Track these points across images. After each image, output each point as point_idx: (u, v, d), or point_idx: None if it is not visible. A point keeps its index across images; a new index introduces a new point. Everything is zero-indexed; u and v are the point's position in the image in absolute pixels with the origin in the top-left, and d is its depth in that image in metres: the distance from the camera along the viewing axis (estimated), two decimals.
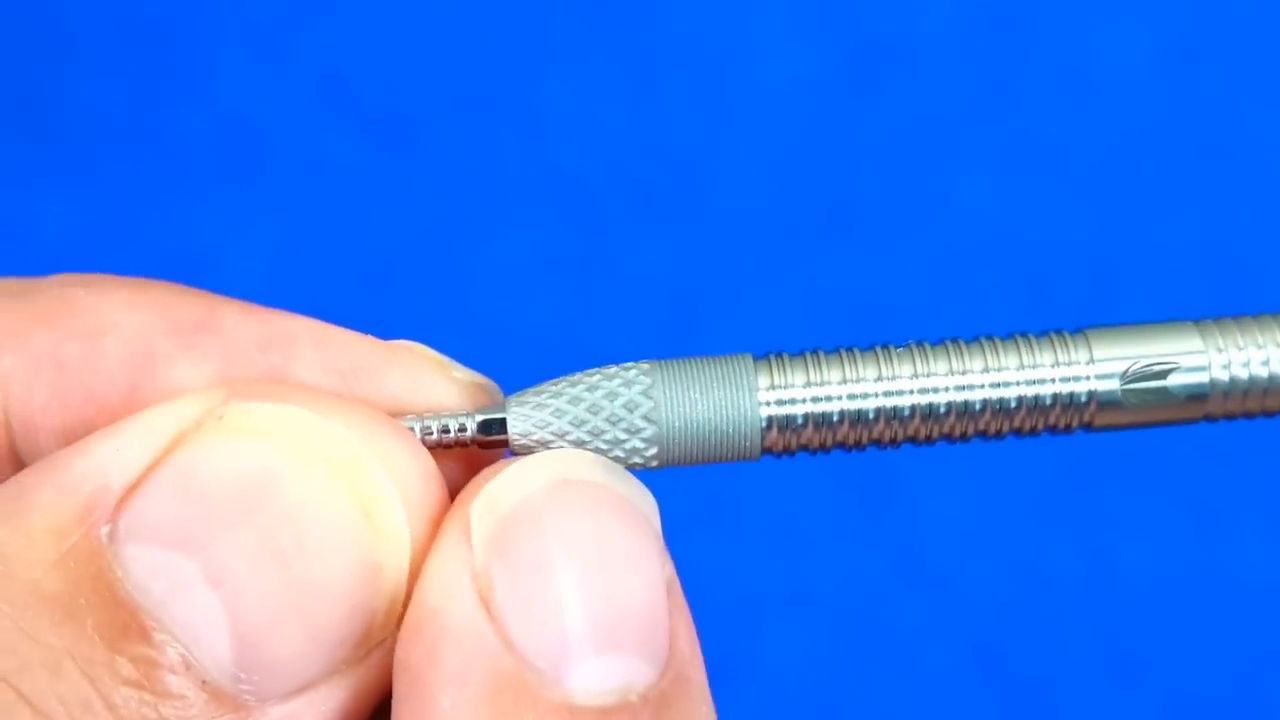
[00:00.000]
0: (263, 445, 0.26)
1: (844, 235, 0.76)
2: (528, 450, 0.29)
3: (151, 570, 0.26)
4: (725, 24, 0.77)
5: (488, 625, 0.26)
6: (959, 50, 0.77)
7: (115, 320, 0.29)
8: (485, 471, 0.28)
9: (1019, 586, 0.74)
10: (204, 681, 0.25)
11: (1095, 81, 0.77)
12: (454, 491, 0.29)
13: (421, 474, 0.27)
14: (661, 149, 0.77)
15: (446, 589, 0.26)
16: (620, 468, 0.28)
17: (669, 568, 0.27)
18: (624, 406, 0.29)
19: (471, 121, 0.77)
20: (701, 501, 0.73)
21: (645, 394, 0.29)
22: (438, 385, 0.30)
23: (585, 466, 0.28)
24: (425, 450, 0.28)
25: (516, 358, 0.72)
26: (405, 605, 0.27)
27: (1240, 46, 0.77)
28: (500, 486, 0.27)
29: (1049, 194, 0.76)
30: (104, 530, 0.26)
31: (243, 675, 0.26)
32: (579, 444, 0.29)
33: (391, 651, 0.27)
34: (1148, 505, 0.75)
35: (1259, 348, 0.30)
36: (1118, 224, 0.76)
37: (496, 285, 0.76)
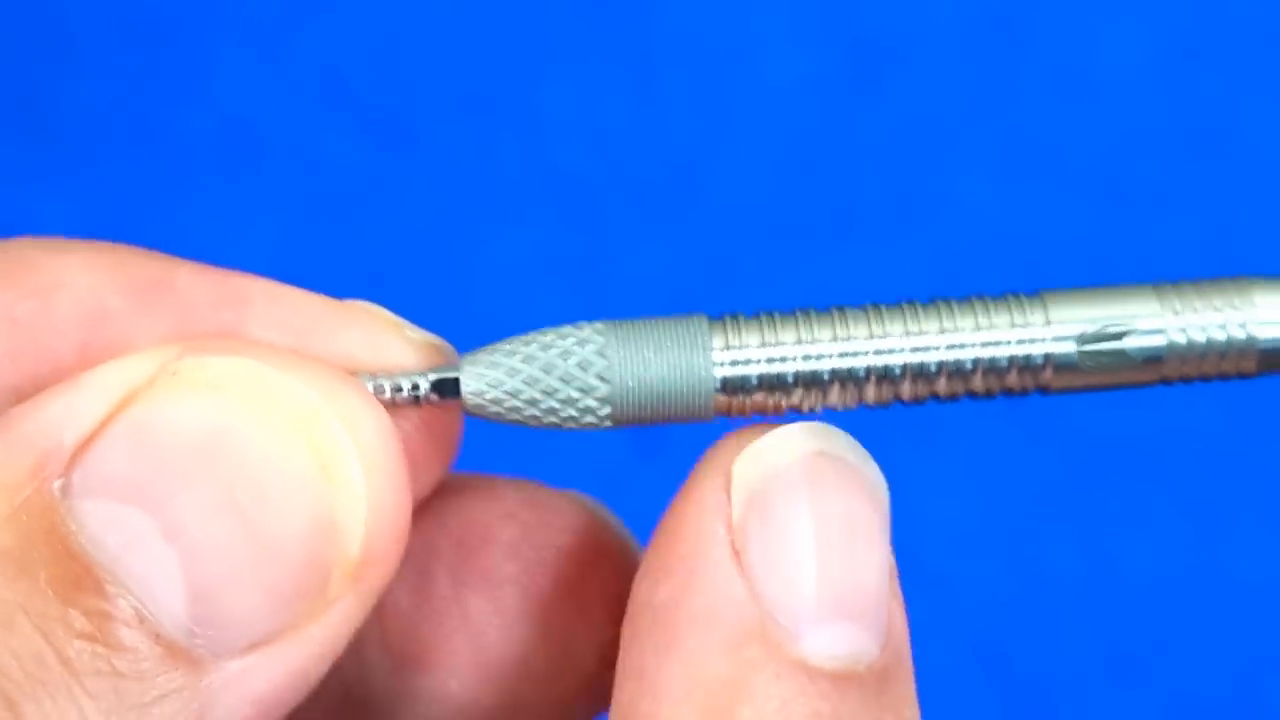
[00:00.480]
0: (220, 399, 0.26)
1: (844, 235, 0.76)
2: (481, 412, 0.29)
3: (106, 524, 0.25)
4: (725, 24, 0.77)
5: (739, 576, 0.27)
6: (959, 50, 0.77)
7: (69, 279, 0.29)
8: (742, 431, 0.28)
9: (1019, 586, 0.74)
10: (158, 635, 0.25)
11: (1095, 81, 0.77)
12: (408, 447, 0.29)
13: (379, 431, 0.27)
14: (661, 149, 0.77)
15: (703, 536, 0.27)
16: (865, 452, 0.29)
17: (893, 557, 0.29)
18: (578, 365, 0.29)
19: (471, 121, 0.77)
20: None
21: (599, 353, 0.29)
22: (392, 345, 0.30)
23: (841, 444, 0.28)
24: (382, 408, 0.28)
25: None
26: (362, 562, 0.27)
27: (1240, 46, 0.77)
28: (764, 448, 0.28)
29: (1049, 194, 0.76)
30: (57, 485, 0.26)
31: (197, 630, 0.26)
32: (532, 402, 0.29)
33: (348, 611, 0.27)
34: (1148, 505, 0.75)
35: (1216, 310, 0.30)
36: (1118, 224, 0.76)
37: (496, 285, 0.75)
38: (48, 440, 0.26)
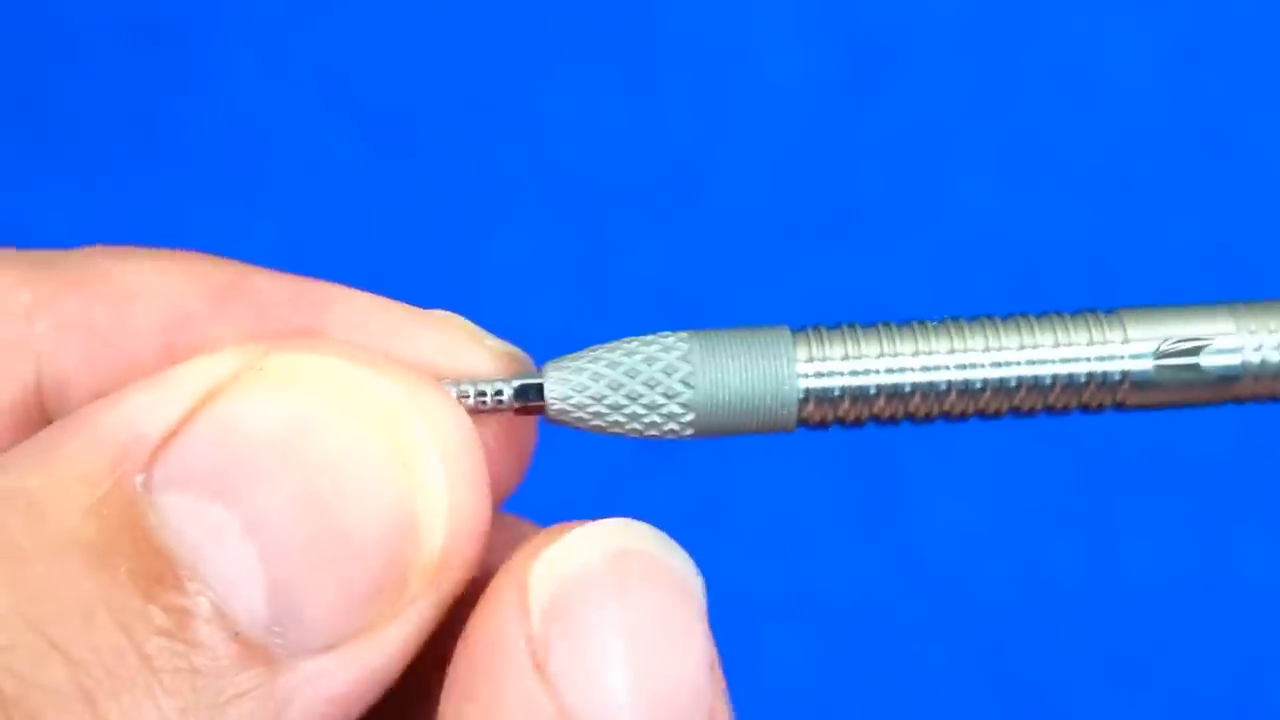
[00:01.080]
0: (302, 395, 0.26)
1: (844, 235, 0.76)
2: (564, 418, 0.29)
3: (187, 519, 0.25)
4: (725, 24, 0.77)
5: (543, 691, 0.26)
6: (959, 50, 0.77)
7: (145, 284, 0.29)
8: (542, 534, 0.28)
9: (1020, 587, 0.74)
10: (236, 633, 0.25)
11: (1095, 81, 0.77)
12: (489, 457, 0.29)
13: (460, 432, 0.27)
14: (661, 149, 0.77)
15: (504, 650, 0.26)
16: (672, 541, 0.28)
17: (713, 648, 0.28)
18: (662, 370, 0.29)
19: (472, 122, 0.77)
20: (701, 502, 0.73)
21: (684, 359, 0.29)
22: (471, 352, 0.30)
23: (642, 538, 0.28)
24: (464, 410, 0.28)
25: None
26: (441, 562, 0.27)
27: (1240, 46, 0.77)
28: (561, 551, 0.27)
29: (1049, 194, 0.76)
30: (138, 479, 0.26)
31: (276, 628, 0.25)
32: (615, 407, 0.29)
33: (427, 611, 0.27)
34: (1148, 505, 0.75)
35: None
36: (1118, 224, 0.76)
37: (496, 285, 0.75)
38: (129, 434, 0.26)
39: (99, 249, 0.30)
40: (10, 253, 0.30)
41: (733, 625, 0.76)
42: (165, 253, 0.30)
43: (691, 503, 0.73)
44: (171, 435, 0.26)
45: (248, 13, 0.77)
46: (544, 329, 0.74)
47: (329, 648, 0.26)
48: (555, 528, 0.28)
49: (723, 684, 0.28)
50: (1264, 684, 0.74)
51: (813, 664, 0.74)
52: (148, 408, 0.26)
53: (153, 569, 0.25)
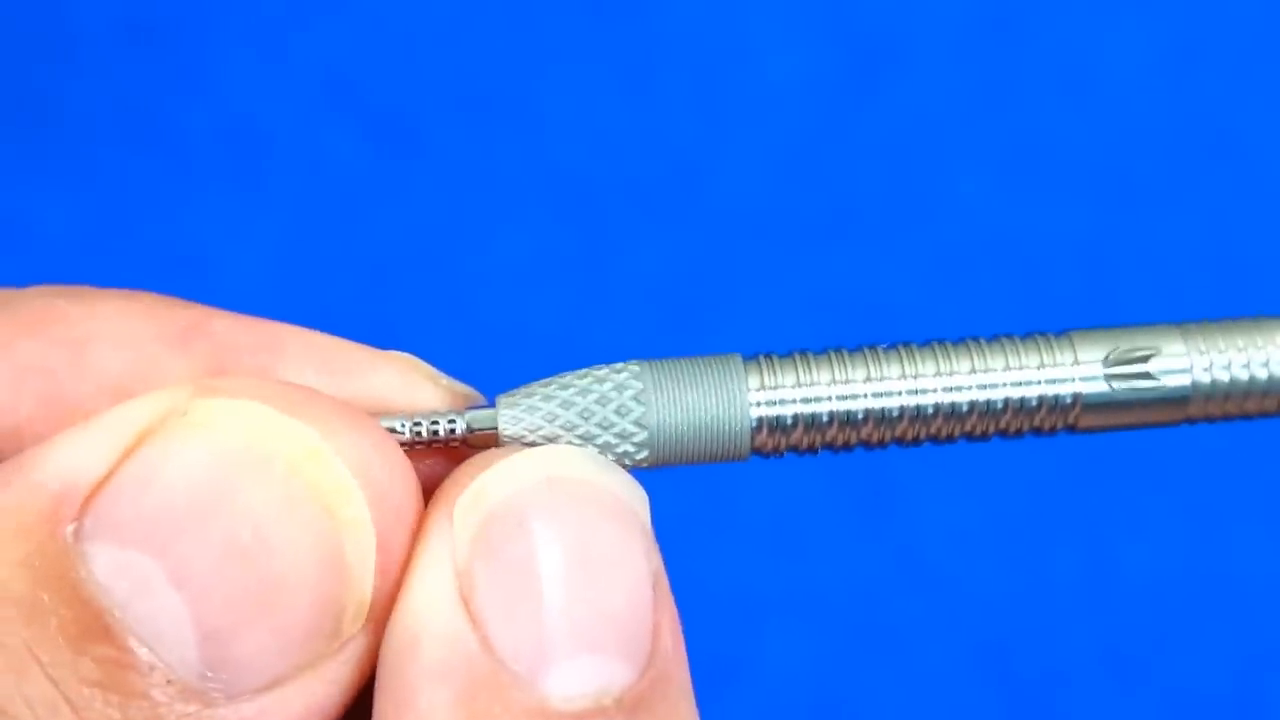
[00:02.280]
0: (222, 441, 0.26)
1: (844, 235, 0.76)
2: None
3: (115, 570, 0.25)
4: (725, 24, 0.77)
5: (467, 626, 0.26)
6: (959, 50, 0.77)
7: (102, 328, 0.29)
8: (468, 463, 0.28)
9: (1020, 587, 0.74)
10: (170, 681, 0.25)
11: (1095, 81, 0.77)
12: (433, 488, 0.29)
13: (387, 466, 0.27)
14: (661, 149, 0.77)
15: (428, 588, 0.26)
16: (608, 460, 0.28)
17: (655, 562, 0.27)
18: (616, 411, 0.29)
19: (472, 121, 0.77)
20: (701, 503, 0.73)
21: (636, 399, 0.29)
22: (428, 391, 0.30)
23: (572, 462, 0.27)
24: (394, 442, 0.28)
25: (516, 357, 0.72)
26: (375, 599, 0.27)
27: (1240, 46, 0.77)
28: (486, 483, 0.27)
29: (1049, 194, 0.76)
30: (69, 529, 0.25)
31: (210, 674, 0.25)
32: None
33: (364, 647, 0.27)
34: (1148, 505, 0.75)
35: (1239, 350, 0.30)
36: (1118, 224, 0.76)
37: (496, 285, 0.75)
38: (61, 483, 0.26)
39: (54, 289, 0.30)
40: None
41: (732, 625, 0.76)
42: (123, 293, 0.29)
43: (691, 503, 0.73)
44: (101, 484, 0.26)
45: (248, 13, 0.77)
46: (544, 328, 0.74)
47: (267, 688, 0.26)
48: (483, 455, 0.28)
49: (669, 600, 0.27)
50: (1264, 684, 0.74)
51: (812, 664, 0.74)
52: (79, 455, 0.26)
53: (83, 620, 0.25)
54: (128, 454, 0.26)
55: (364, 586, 0.26)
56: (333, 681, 0.26)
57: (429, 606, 0.26)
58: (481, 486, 0.27)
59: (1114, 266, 0.76)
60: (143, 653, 0.25)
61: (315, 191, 0.76)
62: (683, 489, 0.70)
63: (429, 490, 0.28)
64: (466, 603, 0.26)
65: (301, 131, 0.77)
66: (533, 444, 0.29)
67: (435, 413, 0.29)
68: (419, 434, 0.29)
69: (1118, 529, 0.75)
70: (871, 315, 0.74)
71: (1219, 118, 0.77)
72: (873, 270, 0.75)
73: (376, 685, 0.27)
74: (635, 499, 0.28)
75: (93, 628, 0.25)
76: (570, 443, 0.29)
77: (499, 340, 0.73)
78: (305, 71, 0.77)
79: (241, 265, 0.76)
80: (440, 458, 0.30)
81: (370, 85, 0.77)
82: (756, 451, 0.30)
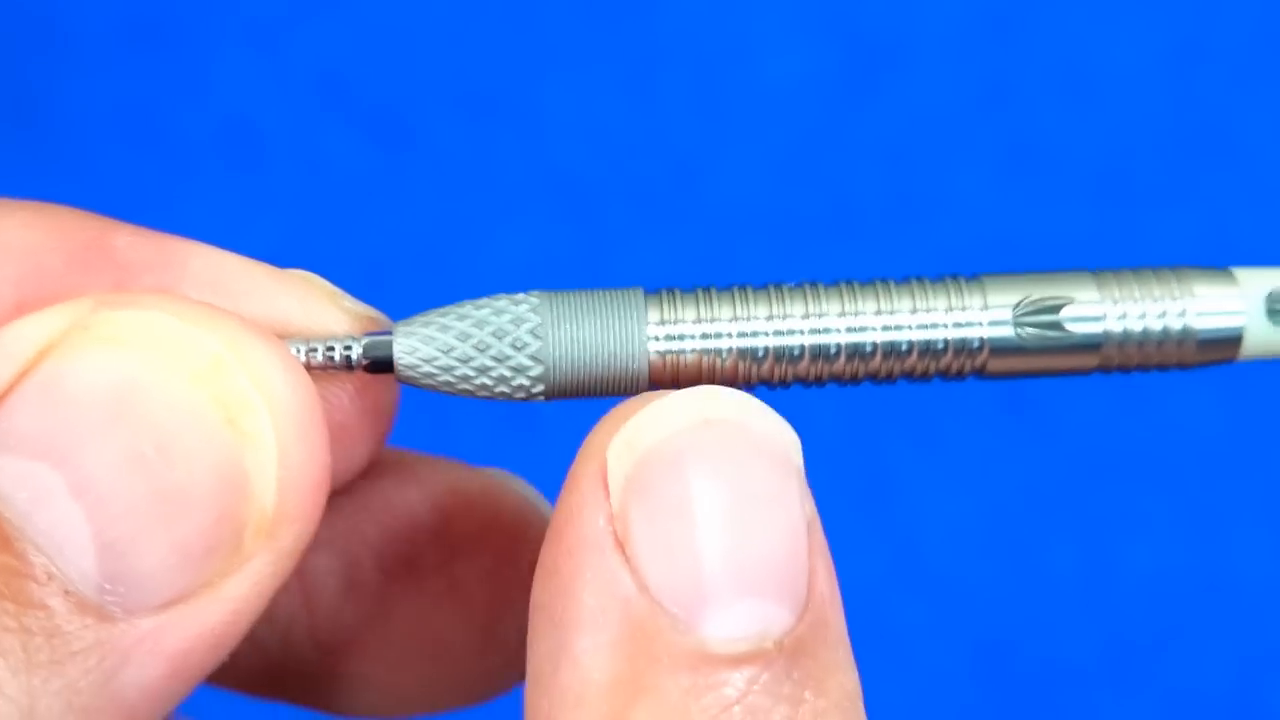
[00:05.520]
0: (125, 353, 0.26)
1: (844, 235, 0.76)
2: (413, 374, 0.29)
3: (14, 481, 0.25)
4: (725, 24, 0.77)
5: (624, 569, 0.26)
6: (959, 50, 0.77)
7: (5, 239, 0.29)
8: (619, 408, 0.27)
9: (1019, 586, 0.74)
10: (67, 592, 0.25)
11: (1095, 81, 0.77)
12: (339, 415, 0.29)
13: (291, 385, 0.27)
14: (661, 149, 0.77)
15: (583, 531, 0.26)
16: (760, 403, 0.27)
17: (810, 506, 0.27)
18: (512, 345, 0.29)
19: (471, 121, 0.77)
20: None
21: (533, 332, 0.29)
22: (328, 313, 0.30)
23: (725, 404, 0.27)
24: (295, 360, 0.27)
25: None
26: (276, 516, 0.26)
27: (1240, 46, 0.77)
28: (639, 426, 0.26)
29: (1049, 194, 0.76)
30: None
31: (108, 586, 0.25)
32: (465, 377, 0.29)
33: (266, 566, 0.26)
34: (1148, 505, 0.75)
35: (1155, 300, 0.30)
36: (1118, 224, 0.76)
37: (496, 285, 0.75)
38: None
39: None
40: None
41: None
42: (30, 205, 0.29)
43: None
44: (2, 397, 0.26)
45: (248, 13, 0.77)
46: None
47: (166, 605, 0.26)
48: (633, 400, 0.27)
49: (824, 544, 0.27)
50: (1264, 684, 0.74)
51: None
52: None
53: None
54: (30, 367, 0.26)
55: (265, 501, 0.26)
56: (232, 600, 0.26)
57: (584, 550, 0.26)
58: (634, 429, 0.26)
59: (1114, 266, 0.75)
60: (40, 561, 0.25)
61: (314, 191, 0.76)
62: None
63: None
64: (622, 546, 0.26)
65: (300, 131, 0.77)
66: (429, 374, 0.29)
67: (332, 338, 0.29)
68: (314, 357, 0.29)
69: (1118, 528, 0.75)
70: None
71: (1219, 118, 0.77)
72: (872, 270, 0.75)
73: (530, 629, 0.27)
74: (790, 443, 0.27)
75: None
76: (466, 374, 0.29)
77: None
78: (304, 71, 0.77)
79: None
80: (336, 381, 0.29)
81: (369, 84, 0.77)
82: (655, 385, 0.29)
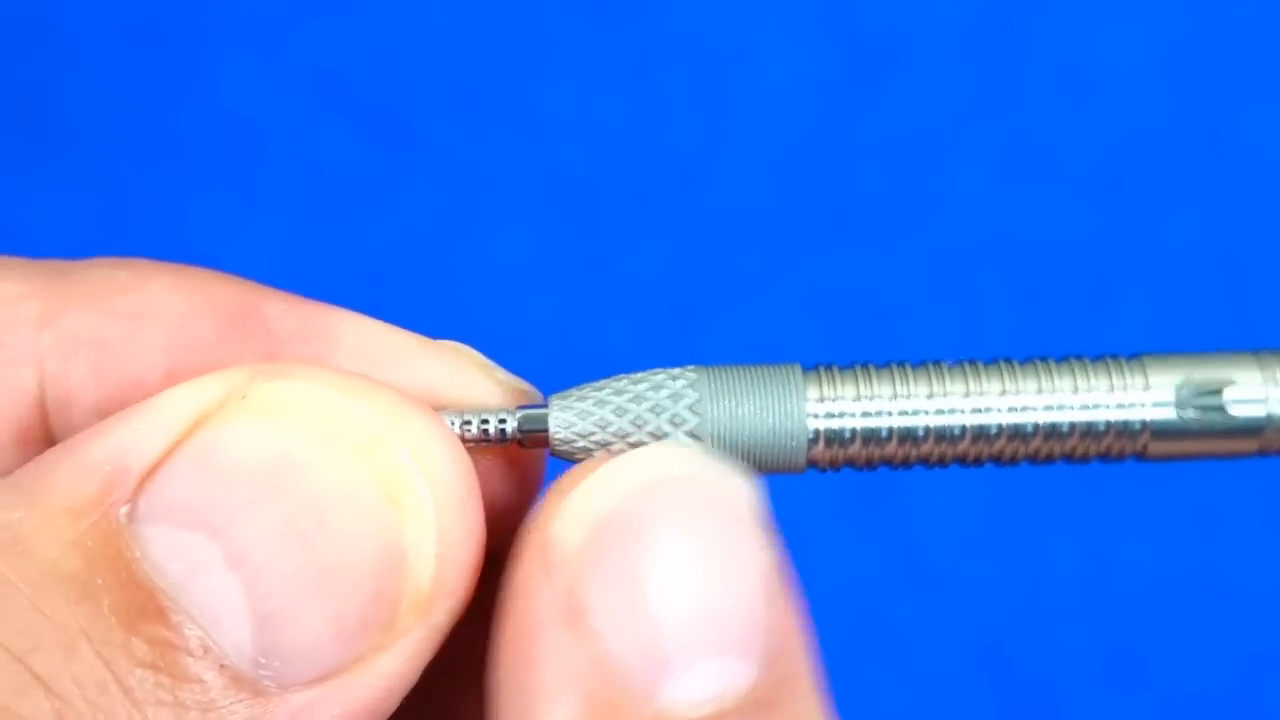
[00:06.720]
0: (285, 425, 0.26)
1: (844, 235, 0.76)
2: (569, 448, 0.29)
3: (170, 551, 0.25)
4: (725, 24, 0.77)
5: (581, 641, 0.25)
6: (959, 50, 0.77)
7: (157, 303, 0.28)
8: (566, 476, 0.27)
9: (1020, 587, 0.74)
10: (222, 665, 0.25)
11: (1095, 81, 0.77)
12: (489, 488, 0.28)
13: (450, 460, 0.27)
14: (661, 149, 0.77)
15: (538, 605, 0.26)
16: (712, 456, 0.27)
17: (772, 555, 0.27)
18: (670, 421, 0.28)
19: (471, 121, 0.77)
20: None
21: (691, 409, 0.28)
22: (480, 384, 0.29)
23: (674, 462, 0.27)
24: (454, 435, 0.27)
25: (516, 358, 0.72)
26: (432, 593, 0.26)
27: (1240, 46, 0.77)
28: (588, 493, 0.26)
29: (1049, 194, 0.76)
30: (123, 510, 0.25)
31: (263, 660, 0.25)
32: (621, 435, 0.28)
33: (419, 642, 0.26)
34: (1148, 505, 0.75)
35: None
36: (1118, 224, 0.76)
37: (496, 285, 0.75)
38: (115, 465, 0.25)
39: (111, 261, 0.29)
40: (22, 262, 0.29)
41: None
42: (178, 269, 0.29)
43: None
44: (156, 466, 0.25)
45: (248, 13, 0.77)
46: (543, 328, 0.74)
47: (319, 680, 0.25)
48: (580, 467, 0.27)
49: (788, 592, 0.27)
50: (1264, 684, 0.74)
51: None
52: (134, 437, 0.26)
53: (135, 601, 0.25)
54: (185, 436, 0.26)
55: (422, 578, 0.26)
56: (386, 676, 0.26)
57: (541, 623, 0.26)
58: (585, 495, 0.26)
59: (1114, 266, 0.76)
60: (196, 635, 0.25)
61: (314, 191, 0.76)
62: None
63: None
64: (579, 617, 0.25)
65: (300, 131, 0.77)
66: (584, 449, 0.28)
67: (486, 410, 0.29)
68: (469, 430, 0.28)
69: (1118, 528, 0.75)
70: (872, 315, 0.74)
71: (1219, 118, 0.77)
72: (873, 270, 0.75)
73: (494, 701, 0.26)
74: (743, 494, 0.27)
75: (146, 609, 0.25)
76: (623, 430, 0.28)
77: (497, 341, 0.73)
78: (303, 71, 0.77)
79: (240, 264, 0.76)
80: (493, 458, 0.29)
81: (368, 84, 0.77)
82: (812, 464, 0.29)
